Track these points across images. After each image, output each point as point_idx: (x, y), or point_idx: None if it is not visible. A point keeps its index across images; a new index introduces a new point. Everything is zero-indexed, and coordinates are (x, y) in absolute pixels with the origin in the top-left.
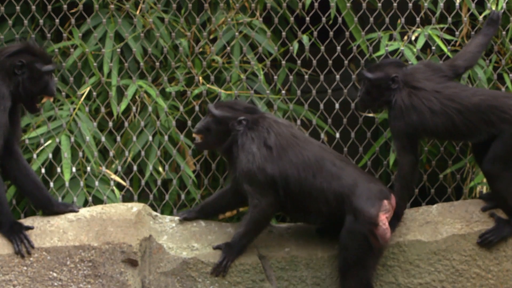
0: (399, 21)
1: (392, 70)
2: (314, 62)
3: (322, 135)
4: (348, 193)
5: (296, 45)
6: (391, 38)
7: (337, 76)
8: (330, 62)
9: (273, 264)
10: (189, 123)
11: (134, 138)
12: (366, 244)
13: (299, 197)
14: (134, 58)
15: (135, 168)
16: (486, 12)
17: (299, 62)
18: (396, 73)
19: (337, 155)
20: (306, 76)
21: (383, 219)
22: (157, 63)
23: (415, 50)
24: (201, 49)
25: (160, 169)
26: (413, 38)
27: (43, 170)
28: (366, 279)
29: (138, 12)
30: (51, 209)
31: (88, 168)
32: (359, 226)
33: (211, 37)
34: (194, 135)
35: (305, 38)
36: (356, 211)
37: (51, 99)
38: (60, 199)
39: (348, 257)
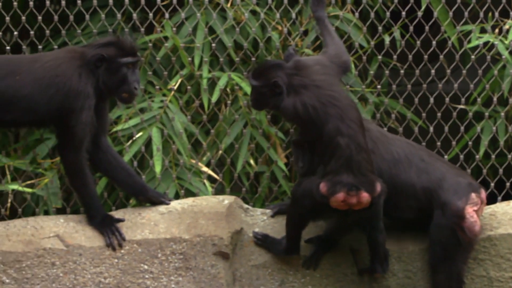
0: (490, 14)
1: None
2: (410, 56)
3: (416, 129)
4: (436, 187)
5: (387, 38)
6: (483, 31)
7: (432, 71)
8: (425, 56)
9: (365, 258)
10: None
11: (229, 131)
12: (454, 238)
13: (390, 193)
14: (225, 51)
15: (228, 161)
16: None
17: (395, 57)
18: None
19: (424, 150)
20: (402, 71)
21: (471, 212)
22: (253, 58)
23: (507, 42)
24: (292, 42)
25: (252, 161)
26: (506, 27)
27: (135, 163)
28: (457, 273)
29: (229, 4)
30: (145, 195)
31: (181, 161)
32: (446, 219)
33: (302, 29)
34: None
35: (397, 32)
36: (444, 205)
37: (134, 97)
38: None
39: (437, 251)
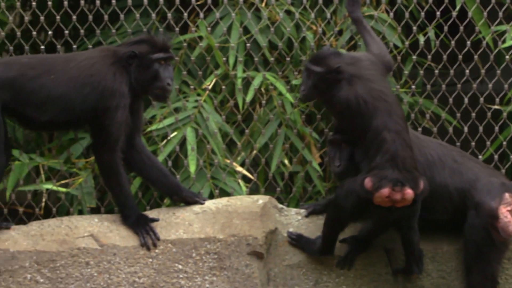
0: None
1: None
2: (445, 56)
3: (451, 129)
4: (469, 188)
5: (422, 38)
6: None
7: (467, 71)
8: (460, 56)
9: (398, 258)
10: (318, 117)
11: (263, 131)
12: (488, 238)
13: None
14: (259, 50)
15: (263, 161)
16: None
17: (429, 57)
18: None
19: (456, 151)
20: (436, 71)
21: (504, 212)
22: (288, 58)
23: None
24: (327, 42)
25: (286, 161)
26: None
27: (169, 163)
28: (491, 273)
29: (264, 4)
30: (180, 194)
31: (216, 161)
32: (480, 220)
33: (337, 29)
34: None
35: (431, 32)
36: (477, 205)
37: (167, 93)
38: None
39: (471, 251)
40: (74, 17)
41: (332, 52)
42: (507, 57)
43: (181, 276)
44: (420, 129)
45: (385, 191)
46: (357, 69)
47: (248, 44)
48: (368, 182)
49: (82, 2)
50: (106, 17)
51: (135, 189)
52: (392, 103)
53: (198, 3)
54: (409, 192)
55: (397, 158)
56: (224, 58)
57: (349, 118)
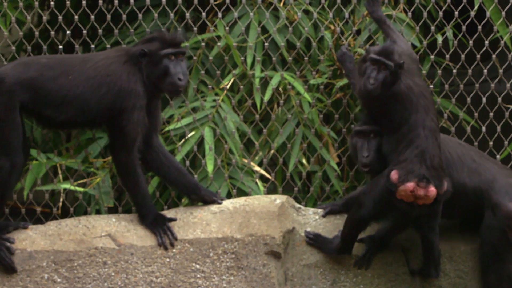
0: None
1: None
2: (463, 56)
3: (468, 129)
4: (487, 188)
5: (440, 37)
6: None
7: (485, 71)
8: (478, 56)
9: (416, 257)
10: (336, 116)
11: (281, 130)
12: (505, 239)
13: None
14: (277, 50)
15: (280, 160)
16: None
17: (447, 56)
18: None
19: (475, 150)
20: (454, 71)
21: None
22: (306, 58)
23: None
24: (345, 42)
25: (304, 161)
26: None
27: (187, 163)
28: (507, 275)
29: (282, 4)
30: (198, 194)
31: (234, 161)
32: (497, 221)
33: (355, 28)
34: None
35: (449, 32)
36: (494, 206)
37: (179, 88)
38: None
39: (488, 252)
40: (92, 17)
41: (395, 46)
42: None
43: (198, 275)
44: None
45: (410, 185)
46: (406, 64)
47: (266, 44)
48: (394, 174)
49: (100, 2)
50: (124, 16)
51: (153, 188)
52: (430, 99)
53: (216, 2)
54: (432, 190)
55: (426, 154)
56: (242, 58)
57: (392, 112)
